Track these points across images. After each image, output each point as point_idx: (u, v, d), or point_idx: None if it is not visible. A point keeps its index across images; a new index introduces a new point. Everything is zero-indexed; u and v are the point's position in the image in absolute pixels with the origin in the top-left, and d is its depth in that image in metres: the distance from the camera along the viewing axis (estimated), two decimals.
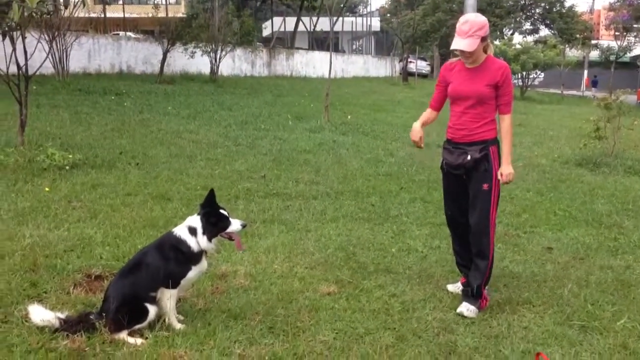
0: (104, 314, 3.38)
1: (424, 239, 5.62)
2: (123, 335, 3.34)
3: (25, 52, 7.74)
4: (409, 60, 40.07)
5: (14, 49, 7.70)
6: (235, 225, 3.61)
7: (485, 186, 4.00)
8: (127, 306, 3.35)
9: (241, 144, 10.27)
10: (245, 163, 8.61)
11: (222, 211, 3.59)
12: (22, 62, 7.70)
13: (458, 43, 3.88)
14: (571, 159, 10.83)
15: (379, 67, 43.60)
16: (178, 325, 3.53)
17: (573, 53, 46.45)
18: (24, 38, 7.80)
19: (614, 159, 10.61)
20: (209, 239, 3.54)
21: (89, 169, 7.42)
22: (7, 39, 7.71)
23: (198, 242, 3.52)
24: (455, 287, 4.40)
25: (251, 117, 13.79)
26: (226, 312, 3.78)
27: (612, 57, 46.71)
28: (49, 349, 3.19)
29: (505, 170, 4.01)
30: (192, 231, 3.54)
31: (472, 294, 4.06)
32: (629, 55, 47.77)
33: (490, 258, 4.09)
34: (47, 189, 6.36)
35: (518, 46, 32.78)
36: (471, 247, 4.16)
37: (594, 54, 50.22)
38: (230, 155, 9.17)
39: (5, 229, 5.07)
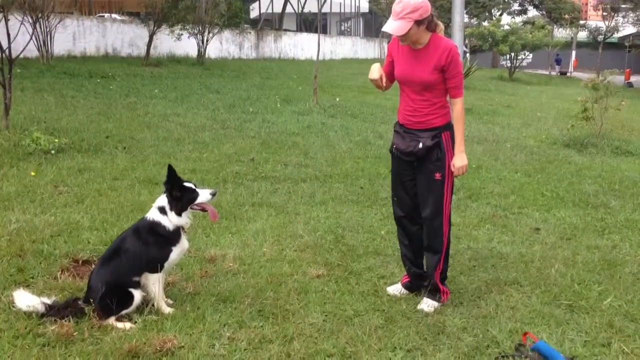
0: (90, 302, 3.38)
1: None
2: (111, 320, 3.34)
3: (9, 34, 7.61)
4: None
5: None
6: (204, 195, 3.57)
7: (437, 176, 3.72)
8: (111, 293, 3.33)
9: (229, 127, 10.21)
10: (233, 146, 8.57)
11: (186, 184, 3.56)
12: (5, 44, 7.58)
13: (388, 25, 3.55)
14: (559, 140, 10.88)
15: (367, 49, 43.42)
16: (167, 309, 3.53)
17: (561, 34, 46.52)
18: (6, 20, 7.68)
19: (602, 139, 10.67)
20: (178, 214, 3.51)
21: (75, 153, 7.35)
22: None
23: (170, 219, 3.51)
24: (396, 290, 4.04)
25: (239, 100, 13.70)
26: (215, 296, 3.77)
27: (600, 38, 46.80)
28: (36, 334, 3.18)
29: (458, 162, 3.70)
30: (162, 210, 3.52)
31: (432, 289, 3.90)
32: (616, 35, 47.87)
33: (442, 252, 3.85)
34: (32, 173, 6.29)
35: (506, 27, 32.72)
36: (423, 240, 3.92)
37: (582, 35, 50.28)
38: (218, 138, 9.12)
39: None
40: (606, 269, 4.60)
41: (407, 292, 4.04)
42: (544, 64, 41.32)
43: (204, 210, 3.63)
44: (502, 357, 3.24)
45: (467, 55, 35.39)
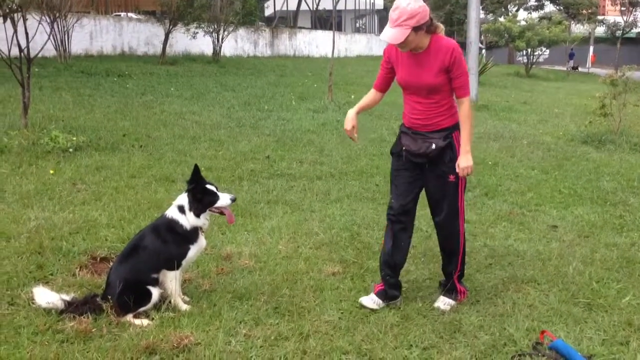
0: (108, 298, 3.41)
1: (427, 219, 5.54)
2: (129, 317, 3.37)
3: (27, 34, 7.69)
4: None
5: (15, 31, 7.65)
6: (224, 199, 3.60)
7: (451, 177, 3.61)
8: (129, 290, 3.36)
9: (244, 124, 10.24)
10: (248, 144, 8.59)
11: (208, 186, 3.58)
12: (23, 44, 7.66)
13: (384, 33, 3.41)
14: (576, 137, 10.76)
15: (382, 46, 43.23)
16: (184, 307, 3.55)
17: (579, 29, 46.02)
18: (25, 20, 7.76)
19: (620, 136, 10.53)
20: (197, 215, 3.54)
21: (92, 152, 7.42)
22: (8, 21, 7.67)
23: (187, 219, 3.53)
24: (370, 301, 3.77)
25: (254, 97, 13.74)
26: (231, 293, 3.79)
27: (618, 33, 46.23)
28: (55, 330, 3.23)
29: (463, 162, 3.56)
30: (182, 209, 3.55)
31: (449, 288, 3.89)
32: (635, 31, 47.29)
33: (460, 253, 3.84)
34: (51, 171, 6.37)
35: (523, 23, 32.47)
36: (439, 244, 3.93)
37: (600, 30, 49.73)
38: (233, 136, 9.15)
39: (10, 212, 5.09)
40: (625, 266, 4.55)
41: (382, 301, 3.78)
42: (561, 60, 40.96)
43: (221, 213, 3.66)
44: (519, 355, 3.22)
45: (483, 51, 35.15)
